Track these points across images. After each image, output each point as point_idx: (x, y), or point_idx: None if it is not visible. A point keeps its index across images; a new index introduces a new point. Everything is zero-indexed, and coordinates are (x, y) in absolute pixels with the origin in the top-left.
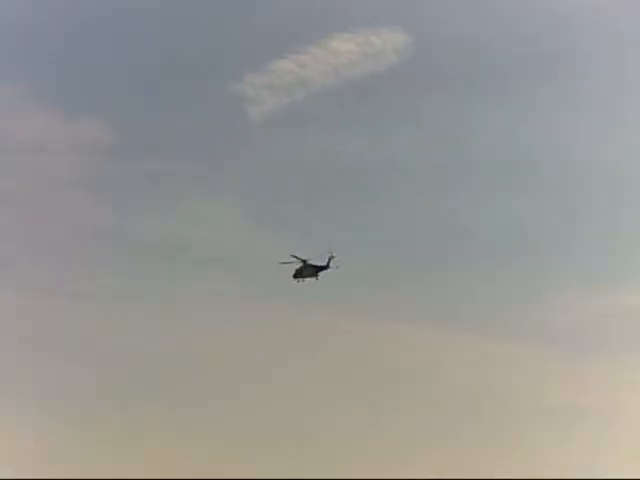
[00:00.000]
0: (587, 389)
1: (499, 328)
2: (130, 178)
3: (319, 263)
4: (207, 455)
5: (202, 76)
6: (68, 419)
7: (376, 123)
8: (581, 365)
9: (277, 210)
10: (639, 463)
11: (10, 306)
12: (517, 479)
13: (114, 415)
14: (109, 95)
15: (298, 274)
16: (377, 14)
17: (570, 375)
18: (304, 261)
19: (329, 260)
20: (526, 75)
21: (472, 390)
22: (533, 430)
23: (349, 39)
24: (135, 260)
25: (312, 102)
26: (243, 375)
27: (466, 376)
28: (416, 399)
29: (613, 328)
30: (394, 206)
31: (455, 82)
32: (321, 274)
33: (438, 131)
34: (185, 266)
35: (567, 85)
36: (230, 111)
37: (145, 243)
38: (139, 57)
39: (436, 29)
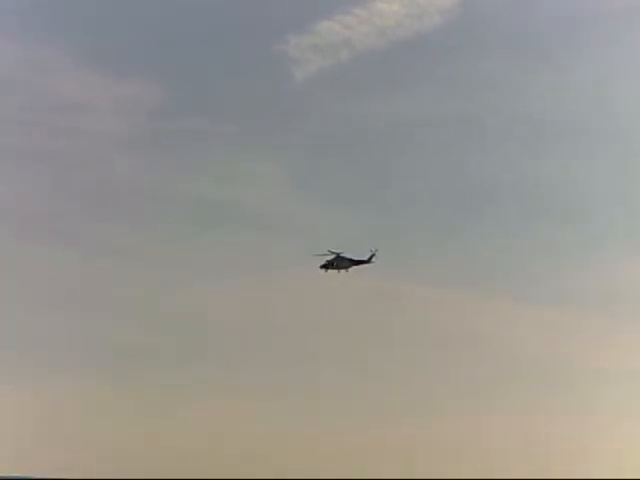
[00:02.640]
0: (621, 353)
1: (534, 294)
2: (175, 138)
3: (357, 257)
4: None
5: (247, 37)
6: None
7: (419, 84)
8: (615, 329)
9: (319, 172)
10: None
11: (58, 262)
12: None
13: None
14: (156, 57)
15: (329, 265)
16: None
17: (604, 339)
18: (337, 254)
19: (371, 256)
20: (576, 38)
21: (510, 354)
22: (571, 394)
23: (394, 0)
24: (179, 220)
25: (357, 63)
26: (303, 340)
27: (502, 341)
28: (457, 365)
29: None
30: (436, 168)
31: (499, 42)
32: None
33: (482, 92)
34: (223, 227)
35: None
36: (275, 72)
37: (189, 202)
38: (184, 21)
39: None
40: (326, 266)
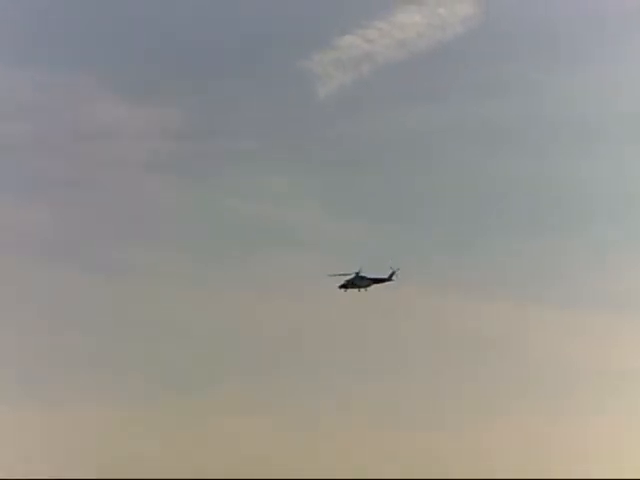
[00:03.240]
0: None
1: (562, 296)
2: (199, 158)
3: (378, 276)
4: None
5: (269, 55)
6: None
7: (442, 95)
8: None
9: (345, 188)
10: None
11: (81, 288)
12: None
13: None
14: (176, 78)
15: (349, 284)
16: None
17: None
18: (357, 273)
19: (392, 274)
20: (595, 43)
21: (536, 357)
22: (598, 395)
23: (415, 11)
24: (206, 241)
25: (379, 77)
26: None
27: (529, 344)
28: (479, 369)
29: None
30: (463, 178)
31: (521, 51)
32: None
33: (504, 100)
34: (251, 245)
35: None
36: (298, 88)
37: (215, 223)
38: (206, 39)
39: None
40: (345, 286)
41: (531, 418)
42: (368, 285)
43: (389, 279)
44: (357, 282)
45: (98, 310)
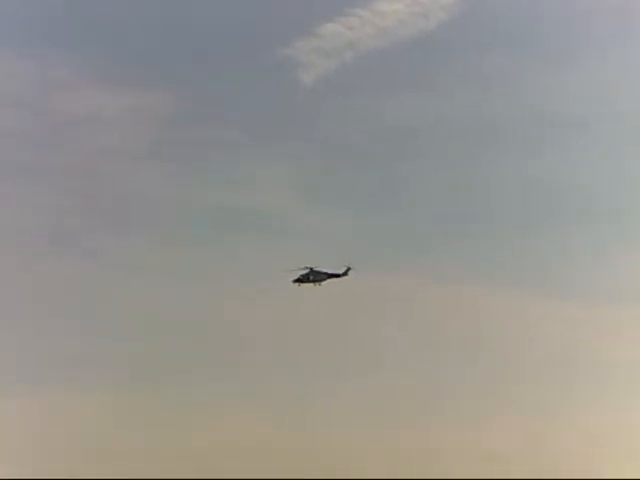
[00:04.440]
0: None
1: (565, 288)
2: (182, 147)
3: (332, 271)
4: None
5: (251, 43)
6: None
7: (426, 83)
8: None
9: (327, 176)
10: None
11: (73, 279)
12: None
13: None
14: (160, 65)
15: (304, 279)
16: None
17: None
18: (311, 268)
19: (347, 270)
20: (582, 30)
21: (537, 349)
22: (604, 385)
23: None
24: (196, 228)
25: (362, 64)
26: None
27: (535, 334)
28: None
29: None
30: (446, 166)
31: (505, 39)
32: (326, 282)
33: (488, 90)
34: (238, 235)
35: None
36: (281, 77)
37: (199, 211)
38: (188, 27)
39: None
40: (300, 280)
41: (532, 415)
42: (323, 280)
43: (344, 274)
44: (313, 276)
45: (80, 299)
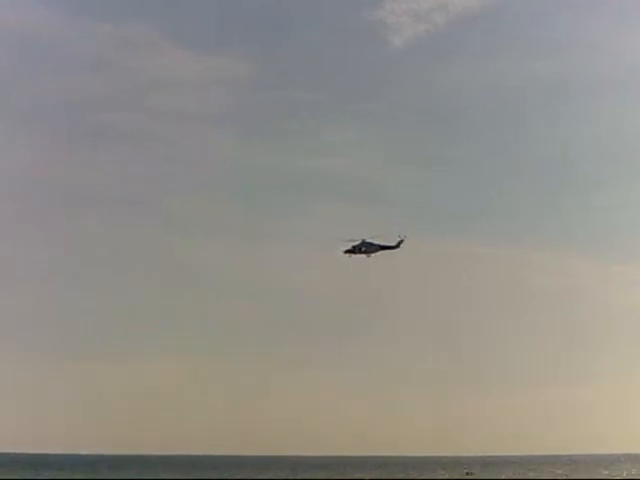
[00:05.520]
0: None
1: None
2: (263, 110)
3: (385, 243)
4: None
5: (340, 5)
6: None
7: (516, 47)
8: None
9: (413, 141)
10: None
11: (144, 238)
12: None
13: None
14: (242, 28)
15: (355, 250)
16: None
17: None
18: (363, 240)
19: (400, 242)
20: None
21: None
22: None
23: None
24: (271, 193)
25: (452, 27)
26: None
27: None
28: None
29: None
30: (536, 131)
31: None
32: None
33: (577, 57)
34: (317, 197)
35: None
36: (370, 39)
37: (279, 175)
38: None
39: None
40: (352, 251)
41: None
42: (374, 251)
43: (396, 246)
44: (365, 248)
45: (158, 262)
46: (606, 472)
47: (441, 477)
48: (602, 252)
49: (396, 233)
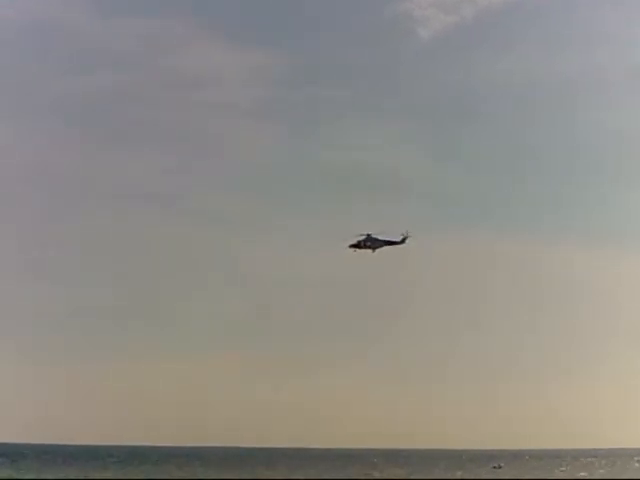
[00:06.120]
0: None
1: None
2: (295, 105)
3: (390, 238)
4: None
5: None
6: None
7: (545, 42)
8: None
9: (445, 135)
10: None
11: (182, 235)
12: None
13: None
14: (273, 24)
15: (360, 245)
16: None
17: None
18: (368, 234)
19: (404, 238)
20: None
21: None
22: None
23: None
24: (304, 188)
25: (481, 21)
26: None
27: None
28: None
29: None
30: (569, 126)
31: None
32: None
33: (610, 51)
34: (350, 193)
35: None
36: (398, 32)
37: (311, 170)
38: None
39: None
40: (357, 246)
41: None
42: (379, 246)
43: (401, 242)
44: (370, 243)
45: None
46: None
47: (469, 471)
48: (622, 245)
49: (432, 229)
